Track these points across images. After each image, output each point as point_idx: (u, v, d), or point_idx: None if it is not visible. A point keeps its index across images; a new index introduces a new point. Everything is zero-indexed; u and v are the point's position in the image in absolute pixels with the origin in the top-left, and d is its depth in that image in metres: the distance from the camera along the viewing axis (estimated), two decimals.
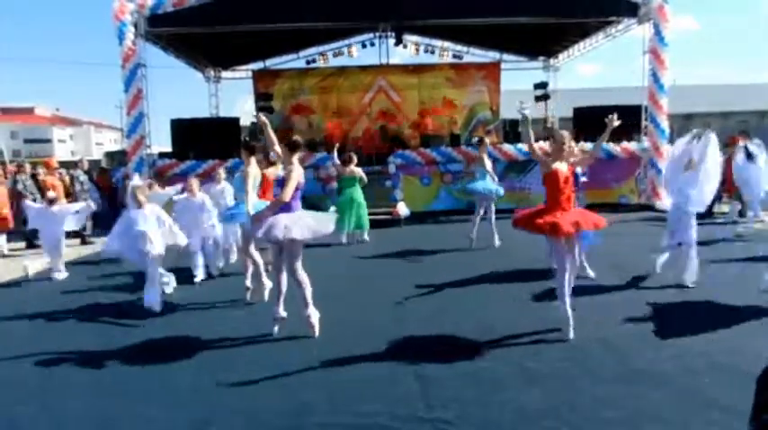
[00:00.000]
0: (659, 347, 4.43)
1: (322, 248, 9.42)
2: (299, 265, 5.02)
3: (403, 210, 12.03)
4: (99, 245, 11.46)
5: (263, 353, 4.65)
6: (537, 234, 4.87)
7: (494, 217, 9.33)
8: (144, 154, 14.14)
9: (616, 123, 5.12)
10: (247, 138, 5.87)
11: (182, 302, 6.42)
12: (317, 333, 5.04)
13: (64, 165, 16.49)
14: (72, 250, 10.84)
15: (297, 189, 4.99)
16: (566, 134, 4.92)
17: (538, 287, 6.49)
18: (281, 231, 4.73)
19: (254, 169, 6.42)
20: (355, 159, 10.58)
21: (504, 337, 4.84)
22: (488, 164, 9.39)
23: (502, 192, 9.39)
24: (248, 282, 6.50)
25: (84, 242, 11.70)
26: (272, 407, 3.63)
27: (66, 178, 12.41)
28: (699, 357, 4.18)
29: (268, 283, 6.17)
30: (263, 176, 7.59)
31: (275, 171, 7.63)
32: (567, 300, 4.72)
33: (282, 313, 5.16)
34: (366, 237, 10.58)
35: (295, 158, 5.12)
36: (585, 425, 3.26)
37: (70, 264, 9.48)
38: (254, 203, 5.91)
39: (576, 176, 5.64)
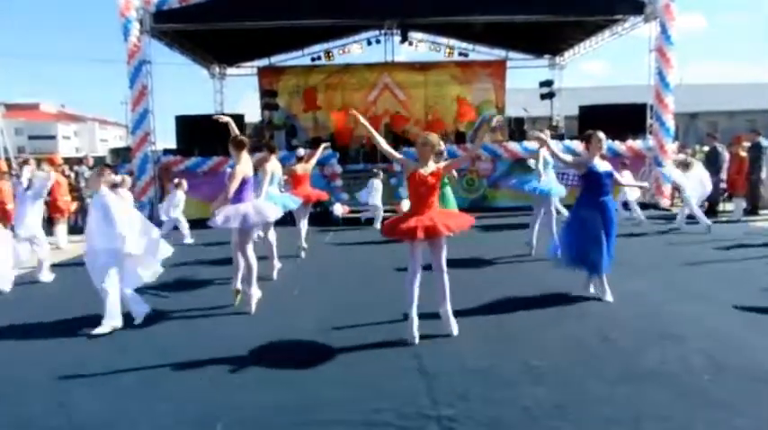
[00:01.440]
0: (664, 346, 4.42)
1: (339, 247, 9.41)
2: (248, 247, 5.81)
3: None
4: None
5: (268, 350, 4.66)
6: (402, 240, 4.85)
7: (553, 220, 8.10)
8: (149, 150, 14.18)
9: (495, 121, 5.84)
10: (238, 135, 5.97)
11: (186, 299, 6.44)
12: (253, 310, 5.69)
13: (68, 161, 16.50)
14: (74, 246, 10.89)
15: (245, 182, 5.70)
16: (434, 137, 4.82)
17: (542, 285, 6.49)
18: (235, 220, 5.58)
19: (271, 165, 7.16)
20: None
21: (509, 335, 4.85)
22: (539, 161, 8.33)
23: (562, 191, 8.51)
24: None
25: None
26: (278, 404, 3.64)
27: (71, 175, 12.45)
28: (703, 356, 4.17)
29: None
30: (293, 172, 8.69)
31: (304, 167, 8.68)
32: (413, 307, 4.71)
33: (239, 286, 5.87)
34: None
35: (243, 155, 5.74)
36: (590, 424, 3.26)
37: (73, 263, 9.53)
38: (272, 196, 6.95)
39: (608, 175, 5.83)
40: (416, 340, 4.65)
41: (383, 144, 5.05)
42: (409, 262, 4.78)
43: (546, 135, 6.66)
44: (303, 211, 8.61)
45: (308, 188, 8.79)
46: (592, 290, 5.90)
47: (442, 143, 5.12)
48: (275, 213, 6.08)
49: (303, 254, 8.80)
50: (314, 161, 9.00)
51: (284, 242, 8.00)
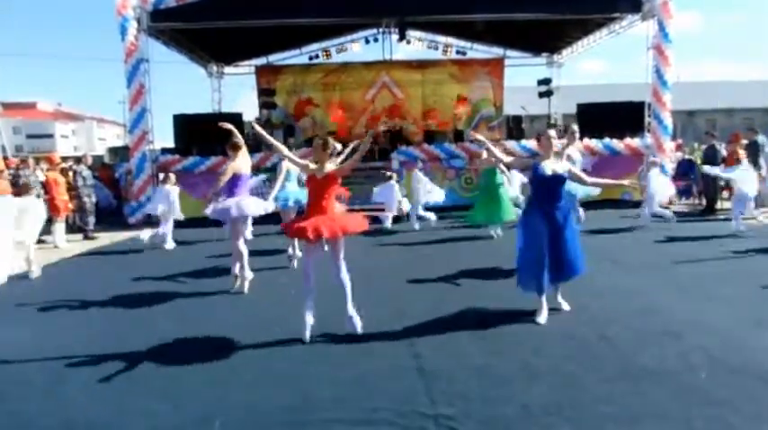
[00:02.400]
0: (661, 344, 4.43)
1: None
2: (240, 238, 6.53)
3: (406, 205, 12.02)
4: (102, 240, 11.51)
5: (266, 349, 4.65)
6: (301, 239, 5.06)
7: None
8: (147, 149, 14.16)
9: (382, 128, 5.54)
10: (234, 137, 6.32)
11: (185, 295, 6.44)
12: (246, 290, 6.49)
13: (66, 160, 16.48)
14: (75, 245, 10.87)
15: (237, 179, 6.42)
16: (330, 141, 4.98)
17: None
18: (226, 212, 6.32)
19: (287, 163, 7.49)
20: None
21: (506, 333, 4.85)
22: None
23: (588, 191, 8.25)
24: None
25: (86, 237, 11.73)
26: (277, 403, 3.64)
27: (70, 173, 12.42)
28: (701, 354, 4.18)
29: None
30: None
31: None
32: (309, 309, 4.88)
33: (236, 271, 6.55)
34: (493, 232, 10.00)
35: (238, 155, 6.44)
36: (588, 422, 3.27)
37: (73, 259, 9.53)
38: (287, 192, 8.00)
39: (557, 179, 5.24)
40: (307, 339, 4.76)
41: (285, 151, 5.16)
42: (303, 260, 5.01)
43: (480, 136, 6.20)
44: None
45: None
46: (560, 299, 5.43)
47: (338, 145, 5.34)
48: (257, 209, 6.63)
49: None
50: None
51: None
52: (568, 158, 7.03)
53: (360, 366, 4.22)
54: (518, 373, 3.97)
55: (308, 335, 4.82)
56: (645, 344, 4.43)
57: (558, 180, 5.13)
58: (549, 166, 5.12)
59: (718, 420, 3.22)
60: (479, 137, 6.11)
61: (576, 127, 7.01)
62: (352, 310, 4.98)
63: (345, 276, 4.96)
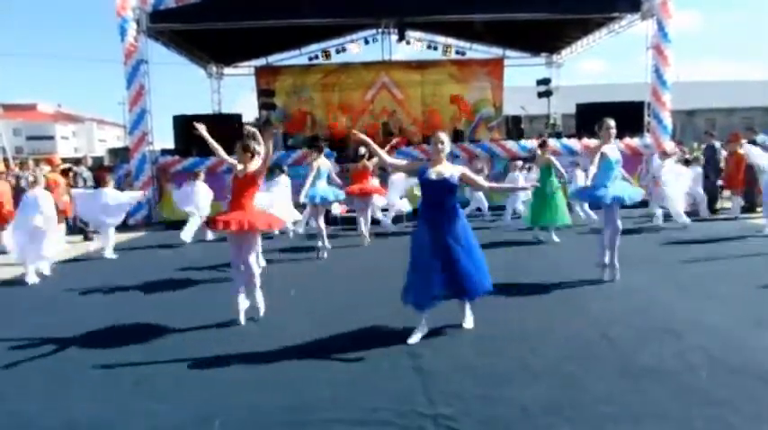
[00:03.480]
0: (661, 343, 4.43)
1: None
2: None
3: (405, 206, 12.01)
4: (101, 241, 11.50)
5: (265, 350, 4.65)
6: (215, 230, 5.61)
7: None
8: (146, 150, 14.19)
9: (362, 137, 5.34)
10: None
11: (185, 295, 6.44)
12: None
13: (66, 162, 16.49)
14: (75, 246, 10.88)
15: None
16: (251, 144, 5.42)
17: (539, 283, 6.50)
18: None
19: (319, 161, 8.54)
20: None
21: (505, 333, 4.85)
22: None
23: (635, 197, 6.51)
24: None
25: (86, 238, 11.73)
26: (276, 403, 3.64)
27: (70, 175, 12.44)
28: (701, 353, 4.18)
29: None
30: (353, 170, 10.22)
31: (364, 164, 9.85)
32: (239, 293, 5.32)
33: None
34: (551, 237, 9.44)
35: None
36: (587, 421, 3.26)
37: (72, 261, 9.53)
38: (315, 189, 8.48)
39: (443, 185, 4.68)
40: (242, 322, 5.24)
41: (222, 153, 5.65)
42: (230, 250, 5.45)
43: (363, 136, 5.44)
44: (361, 205, 9.79)
45: (366, 183, 9.69)
46: (467, 313, 5.03)
47: (260, 147, 5.64)
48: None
49: (367, 242, 9.79)
50: (375, 160, 9.53)
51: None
52: (602, 157, 6.18)
53: (359, 366, 4.22)
54: (517, 373, 3.97)
55: (242, 317, 5.27)
56: (645, 344, 4.43)
57: (444, 185, 4.62)
58: (436, 171, 4.65)
59: (718, 420, 3.22)
60: (362, 136, 5.43)
61: (612, 122, 6.31)
62: (257, 299, 5.43)
63: (253, 265, 5.34)
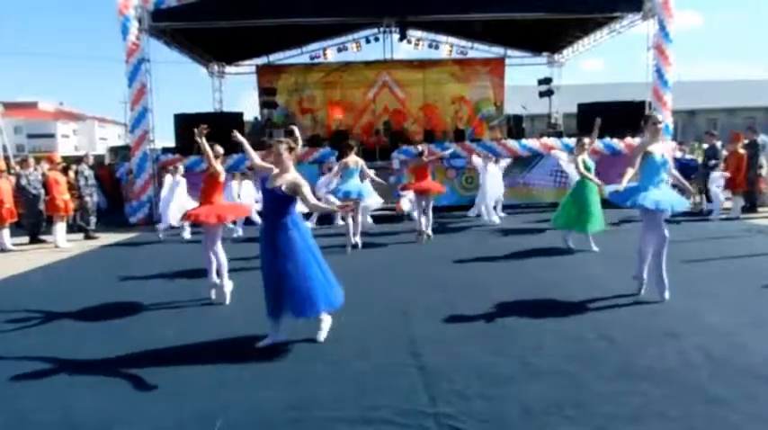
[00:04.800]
0: (662, 343, 4.43)
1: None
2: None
3: (406, 205, 12.02)
4: (103, 240, 11.52)
5: (265, 348, 4.65)
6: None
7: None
8: (148, 149, 14.18)
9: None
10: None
11: (185, 294, 6.44)
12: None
13: (67, 160, 16.51)
14: (75, 244, 10.88)
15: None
16: (217, 148, 6.12)
17: (541, 282, 6.50)
18: None
19: (350, 159, 9.09)
20: None
21: (507, 332, 4.85)
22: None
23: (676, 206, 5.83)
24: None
25: (87, 237, 11.74)
26: (277, 401, 3.64)
27: (71, 173, 12.43)
28: (701, 353, 4.18)
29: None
30: (412, 167, 10.78)
31: (418, 162, 10.06)
32: (211, 273, 6.11)
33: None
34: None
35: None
36: (588, 421, 3.27)
37: (72, 259, 9.54)
38: (349, 185, 9.02)
39: (272, 194, 4.48)
40: (213, 297, 6.16)
41: (211, 156, 6.00)
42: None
43: (240, 137, 5.08)
44: (420, 201, 9.84)
45: (427, 181, 9.81)
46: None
47: (220, 149, 6.20)
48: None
49: (425, 239, 9.83)
50: (433, 157, 10.57)
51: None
52: (646, 157, 5.55)
53: (360, 365, 4.22)
54: (518, 372, 3.98)
55: (213, 294, 6.16)
56: (645, 344, 4.43)
57: (271, 196, 4.44)
58: (273, 179, 4.47)
59: (719, 419, 3.22)
60: (239, 137, 5.06)
61: (660, 116, 5.73)
62: (226, 282, 6.13)
63: (219, 253, 6.06)
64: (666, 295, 5.59)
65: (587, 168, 8.09)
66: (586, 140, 8.28)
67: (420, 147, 10.42)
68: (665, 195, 5.54)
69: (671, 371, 3.91)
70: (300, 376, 4.05)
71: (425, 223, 9.87)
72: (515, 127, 17.62)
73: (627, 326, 4.87)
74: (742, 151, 11.98)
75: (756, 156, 12.32)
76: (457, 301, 5.86)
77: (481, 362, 4.17)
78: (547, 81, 20.28)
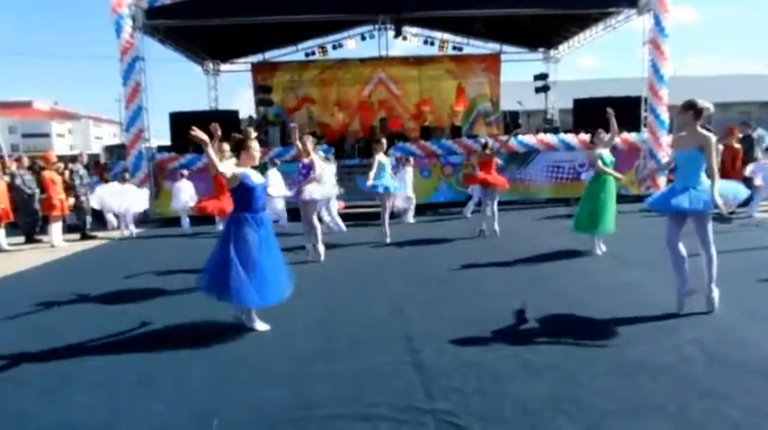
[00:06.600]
0: (657, 338, 4.44)
1: None
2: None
3: (401, 202, 12.01)
4: (99, 239, 11.50)
5: (263, 347, 4.66)
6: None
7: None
8: (143, 147, 14.15)
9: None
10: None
11: (185, 294, 6.44)
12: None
13: (62, 159, 16.46)
14: (71, 244, 10.86)
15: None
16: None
17: (538, 279, 6.51)
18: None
19: (380, 156, 9.30)
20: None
21: (504, 329, 4.86)
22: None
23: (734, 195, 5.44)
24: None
25: (84, 237, 11.71)
26: (276, 399, 3.64)
27: (66, 172, 12.38)
28: (697, 347, 4.19)
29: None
30: (479, 160, 10.32)
31: (482, 154, 10.28)
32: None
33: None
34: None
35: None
36: (585, 417, 3.28)
37: (68, 258, 9.52)
38: (385, 180, 9.35)
39: None
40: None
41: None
42: None
43: (202, 136, 4.89)
44: (486, 195, 9.97)
45: (492, 174, 9.89)
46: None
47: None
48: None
49: (491, 234, 9.84)
50: (498, 146, 11.34)
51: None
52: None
53: (358, 362, 4.22)
54: (515, 369, 3.98)
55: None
56: (642, 339, 4.44)
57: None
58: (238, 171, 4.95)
59: (715, 413, 3.23)
60: (202, 135, 4.89)
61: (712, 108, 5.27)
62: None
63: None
64: (716, 305, 5.03)
65: (606, 163, 7.71)
66: (603, 134, 7.84)
67: (483, 139, 10.66)
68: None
69: (668, 365, 3.92)
70: (298, 374, 4.05)
71: (491, 218, 9.82)
72: (512, 123, 17.62)
73: (623, 321, 4.88)
74: (737, 146, 11.99)
75: (752, 150, 12.35)
76: (454, 298, 5.86)
77: (478, 360, 4.17)
78: (543, 77, 20.29)
